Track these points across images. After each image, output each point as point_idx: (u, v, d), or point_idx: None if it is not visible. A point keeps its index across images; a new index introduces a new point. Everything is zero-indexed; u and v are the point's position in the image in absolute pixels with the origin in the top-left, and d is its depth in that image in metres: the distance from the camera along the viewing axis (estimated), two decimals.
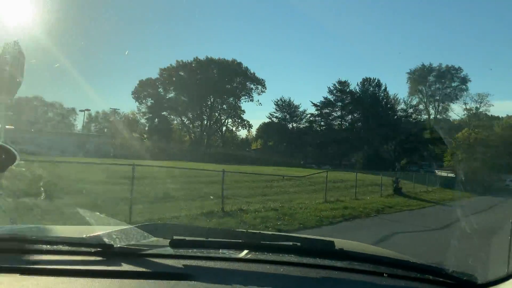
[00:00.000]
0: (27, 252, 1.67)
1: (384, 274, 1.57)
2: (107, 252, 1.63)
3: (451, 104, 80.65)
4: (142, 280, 1.48)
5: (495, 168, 52.08)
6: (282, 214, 12.19)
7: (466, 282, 1.56)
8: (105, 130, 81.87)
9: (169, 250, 1.68)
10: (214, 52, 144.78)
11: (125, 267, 1.54)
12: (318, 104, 78.14)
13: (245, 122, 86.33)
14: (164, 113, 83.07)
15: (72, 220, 7.47)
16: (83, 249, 1.67)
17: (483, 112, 73.08)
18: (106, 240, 1.64)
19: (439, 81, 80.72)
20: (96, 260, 1.61)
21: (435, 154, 74.56)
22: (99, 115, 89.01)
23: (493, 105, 70.90)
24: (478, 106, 70.89)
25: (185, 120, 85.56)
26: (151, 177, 15.22)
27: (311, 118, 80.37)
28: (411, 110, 78.98)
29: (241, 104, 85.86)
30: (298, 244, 1.72)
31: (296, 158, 74.00)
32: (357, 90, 78.08)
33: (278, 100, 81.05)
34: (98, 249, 1.64)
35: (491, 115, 75.94)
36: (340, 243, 1.84)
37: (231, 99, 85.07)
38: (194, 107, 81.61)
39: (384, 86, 77.45)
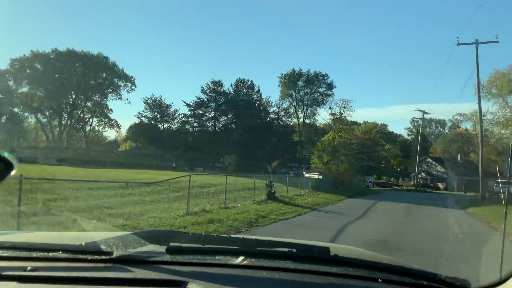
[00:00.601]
0: (24, 260, 1.64)
1: (379, 280, 1.58)
2: (104, 259, 1.63)
3: (318, 108, 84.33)
4: (139, 287, 1.50)
5: (358, 169, 54.85)
6: None
7: None
8: None
9: (166, 257, 1.67)
10: (77, 44, 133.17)
11: (123, 274, 1.54)
12: (191, 104, 75.32)
13: (113, 122, 79.55)
14: (15, 109, 72.12)
15: None
16: (81, 256, 1.66)
17: (346, 117, 77.44)
18: (103, 247, 1.66)
19: (308, 86, 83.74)
20: (93, 267, 1.60)
21: (303, 156, 76.99)
22: None
23: (354, 110, 75.43)
24: (342, 111, 74.64)
25: (42, 118, 75.36)
26: None
27: (183, 119, 77.15)
28: (282, 113, 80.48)
29: (108, 102, 79.20)
30: (294, 250, 1.75)
31: (168, 160, 70.15)
32: (231, 90, 77.17)
33: (148, 99, 75.93)
34: (96, 256, 1.64)
35: (351, 120, 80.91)
36: (336, 248, 1.88)
37: (97, 96, 77.62)
38: (52, 104, 72.20)
39: (257, 88, 77.83)
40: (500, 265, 1.99)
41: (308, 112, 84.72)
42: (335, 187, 38.78)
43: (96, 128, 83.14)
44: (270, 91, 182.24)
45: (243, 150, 68.38)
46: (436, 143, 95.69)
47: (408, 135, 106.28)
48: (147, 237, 1.81)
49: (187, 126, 77.36)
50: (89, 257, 1.64)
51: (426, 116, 58.16)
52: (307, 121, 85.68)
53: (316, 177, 44.20)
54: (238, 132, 73.95)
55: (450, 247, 10.28)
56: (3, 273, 1.52)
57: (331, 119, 67.45)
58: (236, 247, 1.77)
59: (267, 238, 1.96)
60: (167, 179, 17.83)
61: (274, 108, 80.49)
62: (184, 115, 76.62)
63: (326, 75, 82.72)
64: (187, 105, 75.40)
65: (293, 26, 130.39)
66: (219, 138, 72.54)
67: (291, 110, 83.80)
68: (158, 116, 75.95)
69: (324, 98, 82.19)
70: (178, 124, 77.41)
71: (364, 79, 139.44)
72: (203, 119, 76.83)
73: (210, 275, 1.56)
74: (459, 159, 76.60)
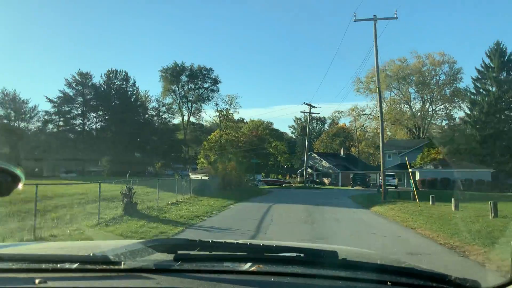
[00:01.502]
0: (33, 271, 1.62)
1: (388, 283, 1.57)
2: (113, 269, 1.63)
3: (204, 105, 79.16)
4: None
5: (248, 168, 51.22)
6: None
7: None
8: None
9: (174, 265, 1.67)
10: None
11: (131, 283, 1.54)
12: (54, 99, 64.65)
13: None
14: None
15: None
16: (90, 266, 1.65)
17: (232, 114, 73.87)
18: (112, 257, 1.65)
19: (192, 81, 78.10)
20: (102, 276, 1.60)
21: (189, 157, 71.59)
22: None
23: (241, 107, 72.18)
24: (228, 107, 70.85)
25: None
26: None
27: (46, 117, 66.01)
28: (163, 109, 73.74)
29: None
30: (302, 255, 1.77)
31: (29, 166, 59.11)
32: (102, 83, 68.05)
33: None
34: (105, 266, 1.64)
35: (238, 118, 77.53)
36: (344, 252, 1.87)
37: None
38: None
39: (133, 80, 69.88)
40: (510, 265, 1.96)
41: (193, 109, 79.15)
42: (223, 188, 34.03)
43: None
44: (149, 86, 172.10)
45: (119, 150, 60.45)
46: (319, 138, 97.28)
47: (292, 132, 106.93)
48: (154, 246, 1.80)
49: (50, 126, 66.57)
50: (98, 267, 1.63)
51: (309, 113, 56.52)
52: (192, 119, 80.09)
53: (201, 178, 39.14)
54: (112, 130, 65.41)
55: None
56: (13, 286, 1.52)
57: (217, 116, 63.38)
58: (244, 253, 1.77)
59: (274, 243, 1.89)
60: None
61: (154, 104, 73.49)
62: (46, 112, 65.86)
63: (211, 69, 77.90)
64: (50, 100, 64.95)
65: (169, 15, 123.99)
66: (90, 138, 63.40)
67: (175, 107, 77.57)
68: (12, 113, 63.91)
69: (210, 94, 77.30)
70: (39, 123, 66.26)
71: (250, 78, 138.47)
72: (69, 116, 66.83)
73: (219, 282, 1.55)
74: (342, 153, 77.78)
